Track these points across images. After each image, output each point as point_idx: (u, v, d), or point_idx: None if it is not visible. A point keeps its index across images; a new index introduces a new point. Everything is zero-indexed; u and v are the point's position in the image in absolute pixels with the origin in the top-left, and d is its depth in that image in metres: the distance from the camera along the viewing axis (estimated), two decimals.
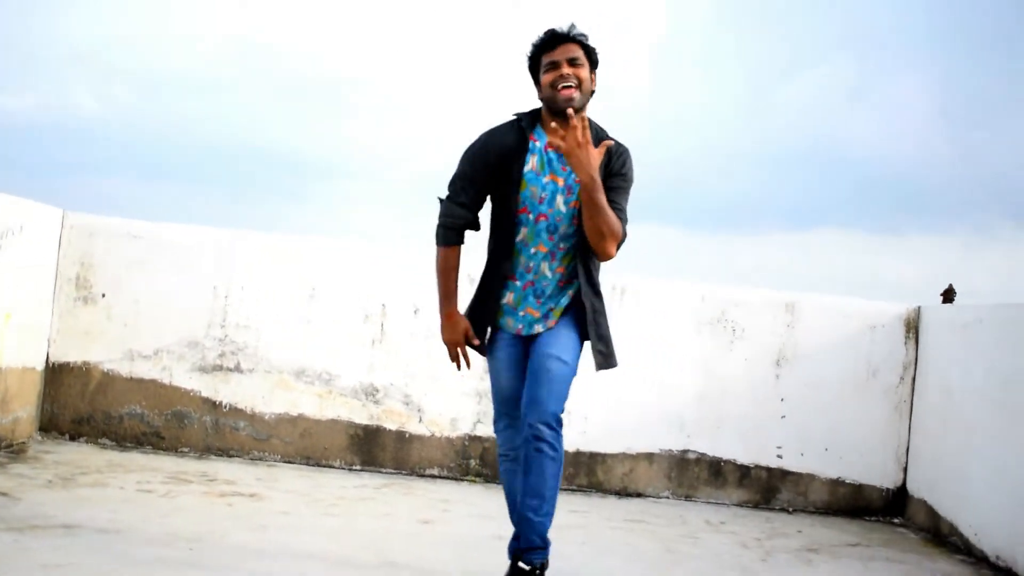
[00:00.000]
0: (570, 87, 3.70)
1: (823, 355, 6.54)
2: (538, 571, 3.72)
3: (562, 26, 3.78)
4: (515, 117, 3.90)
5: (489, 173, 3.85)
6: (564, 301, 3.86)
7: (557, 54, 3.75)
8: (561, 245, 3.82)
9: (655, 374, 6.47)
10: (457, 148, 3.95)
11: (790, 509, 6.51)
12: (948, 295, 6.66)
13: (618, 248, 3.78)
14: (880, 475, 6.56)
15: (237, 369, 6.35)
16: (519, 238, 3.83)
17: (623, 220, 3.78)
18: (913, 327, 6.59)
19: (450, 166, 3.94)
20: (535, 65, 3.84)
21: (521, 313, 3.86)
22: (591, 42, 3.81)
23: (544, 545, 3.73)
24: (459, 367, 3.95)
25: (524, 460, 3.64)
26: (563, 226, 3.80)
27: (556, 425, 3.64)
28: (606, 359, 3.85)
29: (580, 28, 3.81)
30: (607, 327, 3.90)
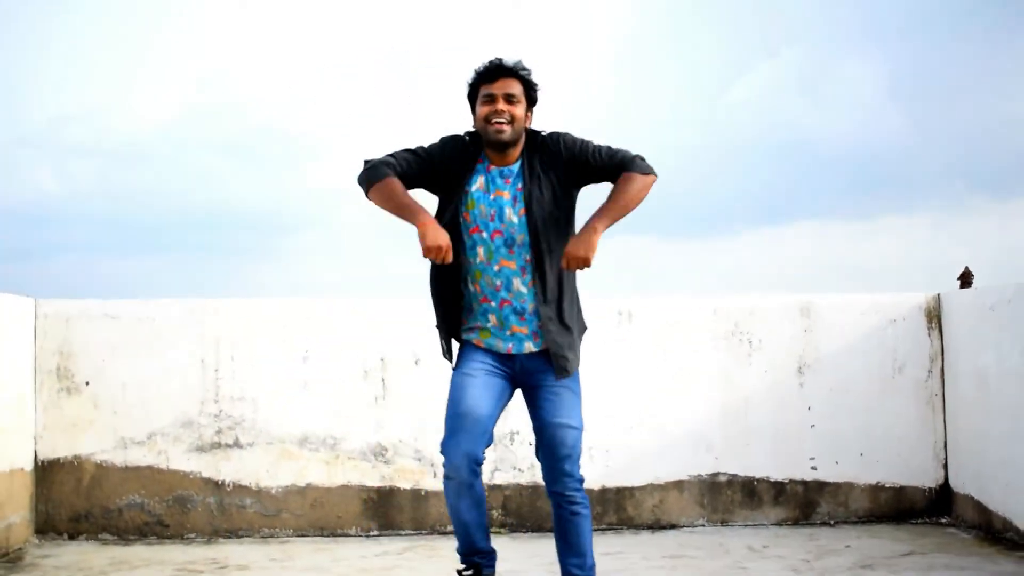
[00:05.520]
0: (502, 123, 3.69)
1: (845, 356, 6.25)
2: None
3: (507, 59, 3.74)
4: (466, 136, 3.83)
5: (434, 165, 3.78)
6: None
7: (496, 87, 3.72)
8: (527, 257, 3.72)
9: (674, 396, 6.16)
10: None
11: (832, 522, 6.19)
12: (965, 279, 6.38)
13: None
14: (921, 475, 6.25)
15: (237, 444, 6.02)
16: (479, 259, 3.74)
17: (625, 155, 3.75)
18: (935, 316, 6.30)
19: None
20: (473, 93, 3.80)
21: (508, 332, 3.76)
22: (533, 78, 3.78)
23: None
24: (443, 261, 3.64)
25: (559, 522, 3.77)
26: (519, 236, 3.71)
27: (581, 485, 3.77)
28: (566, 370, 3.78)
29: (526, 63, 3.77)
30: (575, 338, 3.82)
